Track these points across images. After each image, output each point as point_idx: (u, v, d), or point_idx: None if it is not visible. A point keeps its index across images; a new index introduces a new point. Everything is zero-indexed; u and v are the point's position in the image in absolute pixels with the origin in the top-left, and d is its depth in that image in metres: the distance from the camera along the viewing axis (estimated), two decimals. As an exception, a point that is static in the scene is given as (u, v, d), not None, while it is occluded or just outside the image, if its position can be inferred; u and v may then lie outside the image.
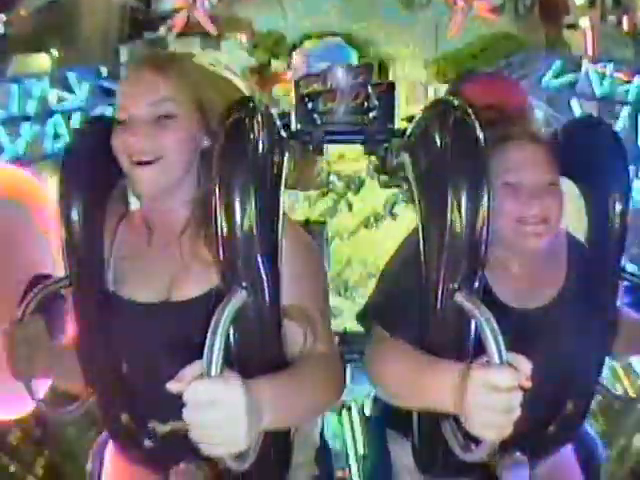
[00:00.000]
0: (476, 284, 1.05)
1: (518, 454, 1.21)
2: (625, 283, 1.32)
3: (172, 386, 0.82)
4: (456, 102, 1.11)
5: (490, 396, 0.85)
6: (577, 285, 1.27)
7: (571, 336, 1.23)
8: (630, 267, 1.34)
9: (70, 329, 1.21)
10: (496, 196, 1.17)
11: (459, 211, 1.02)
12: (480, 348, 0.91)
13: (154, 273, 1.14)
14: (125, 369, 1.14)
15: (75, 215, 1.13)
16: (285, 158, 1.07)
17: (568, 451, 1.35)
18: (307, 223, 2.53)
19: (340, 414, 2.94)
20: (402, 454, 1.31)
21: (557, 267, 1.29)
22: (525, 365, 0.87)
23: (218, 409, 0.80)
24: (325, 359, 1.09)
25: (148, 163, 1.09)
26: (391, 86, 2.65)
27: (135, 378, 1.14)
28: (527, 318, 1.21)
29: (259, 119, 1.02)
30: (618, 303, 1.30)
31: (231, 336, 0.99)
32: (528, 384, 0.86)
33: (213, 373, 0.82)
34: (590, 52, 2.61)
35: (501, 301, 1.20)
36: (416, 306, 1.11)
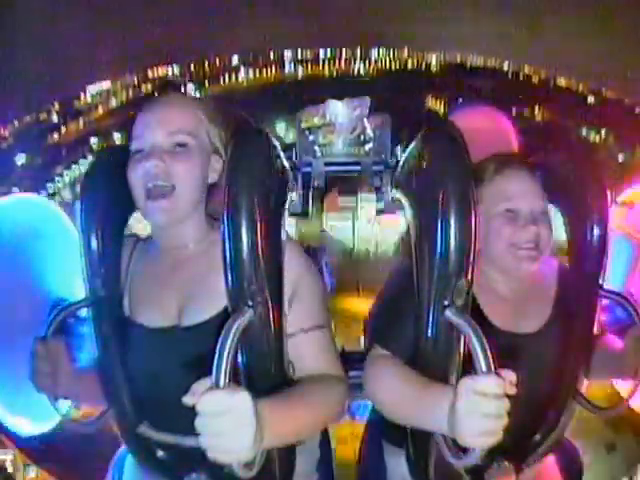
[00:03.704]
0: (465, 300, 1.10)
1: (505, 462, 1.28)
2: (605, 302, 1.38)
3: (187, 400, 0.88)
4: (444, 129, 1.17)
5: (479, 402, 0.91)
6: (564, 310, 1.33)
7: (554, 357, 1.31)
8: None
9: (88, 349, 1.29)
10: (495, 222, 1.27)
11: (448, 232, 1.07)
12: (469, 359, 0.96)
13: (165, 299, 1.21)
14: (141, 386, 1.21)
15: (94, 244, 1.22)
16: (288, 184, 1.15)
17: (551, 459, 1.41)
18: (308, 246, 2.63)
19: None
20: (399, 467, 1.36)
21: (547, 295, 1.35)
22: (509, 374, 0.93)
23: (228, 418, 0.86)
24: (327, 377, 1.16)
25: (162, 192, 1.15)
26: (385, 119, 2.76)
27: (150, 395, 1.21)
28: (514, 341, 1.27)
29: (264, 146, 1.10)
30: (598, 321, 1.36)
31: (238, 357, 1.05)
32: (513, 391, 0.92)
33: (222, 384, 0.88)
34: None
35: (491, 322, 1.27)
36: (412, 326, 1.16)
